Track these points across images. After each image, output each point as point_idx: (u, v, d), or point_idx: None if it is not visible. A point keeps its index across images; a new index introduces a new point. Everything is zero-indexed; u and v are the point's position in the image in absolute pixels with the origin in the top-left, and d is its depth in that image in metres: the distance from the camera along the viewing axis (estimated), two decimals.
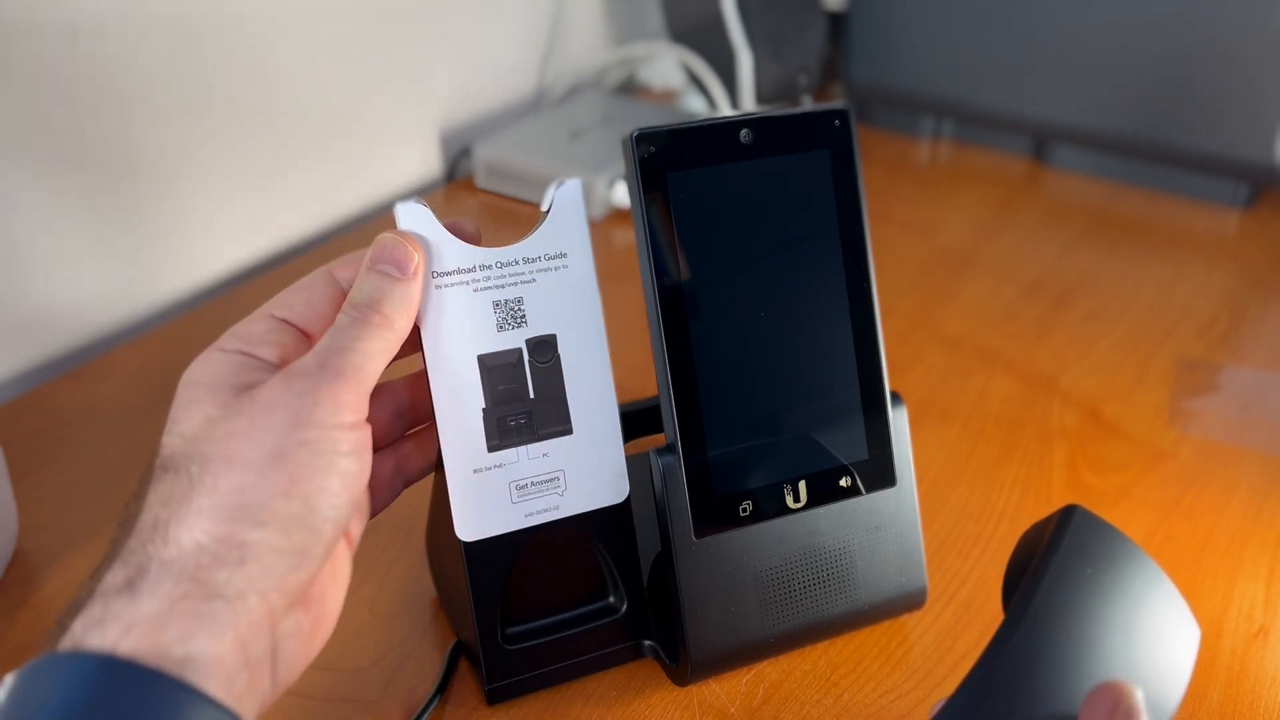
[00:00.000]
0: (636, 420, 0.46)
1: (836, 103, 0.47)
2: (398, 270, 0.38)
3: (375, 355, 0.36)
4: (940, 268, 0.79)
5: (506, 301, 0.41)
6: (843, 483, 0.45)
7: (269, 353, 0.37)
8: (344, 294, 0.39)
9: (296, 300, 0.39)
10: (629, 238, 0.81)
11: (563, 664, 0.45)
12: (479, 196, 0.86)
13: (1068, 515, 0.36)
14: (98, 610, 0.31)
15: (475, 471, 0.41)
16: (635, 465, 0.44)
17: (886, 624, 0.49)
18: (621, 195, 0.81)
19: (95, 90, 0.65)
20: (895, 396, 0.46)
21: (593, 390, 0.43)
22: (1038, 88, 0.91)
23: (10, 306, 0.64)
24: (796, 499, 0.44)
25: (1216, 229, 0.85)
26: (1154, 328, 0.72)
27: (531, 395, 0.42)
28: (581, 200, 0.42)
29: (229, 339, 0.38)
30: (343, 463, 0.35)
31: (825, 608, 0.46)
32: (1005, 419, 0.63)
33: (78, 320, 0.68)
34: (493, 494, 0.41)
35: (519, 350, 0.41)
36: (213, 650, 0.31)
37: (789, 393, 0.44)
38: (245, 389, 0.35)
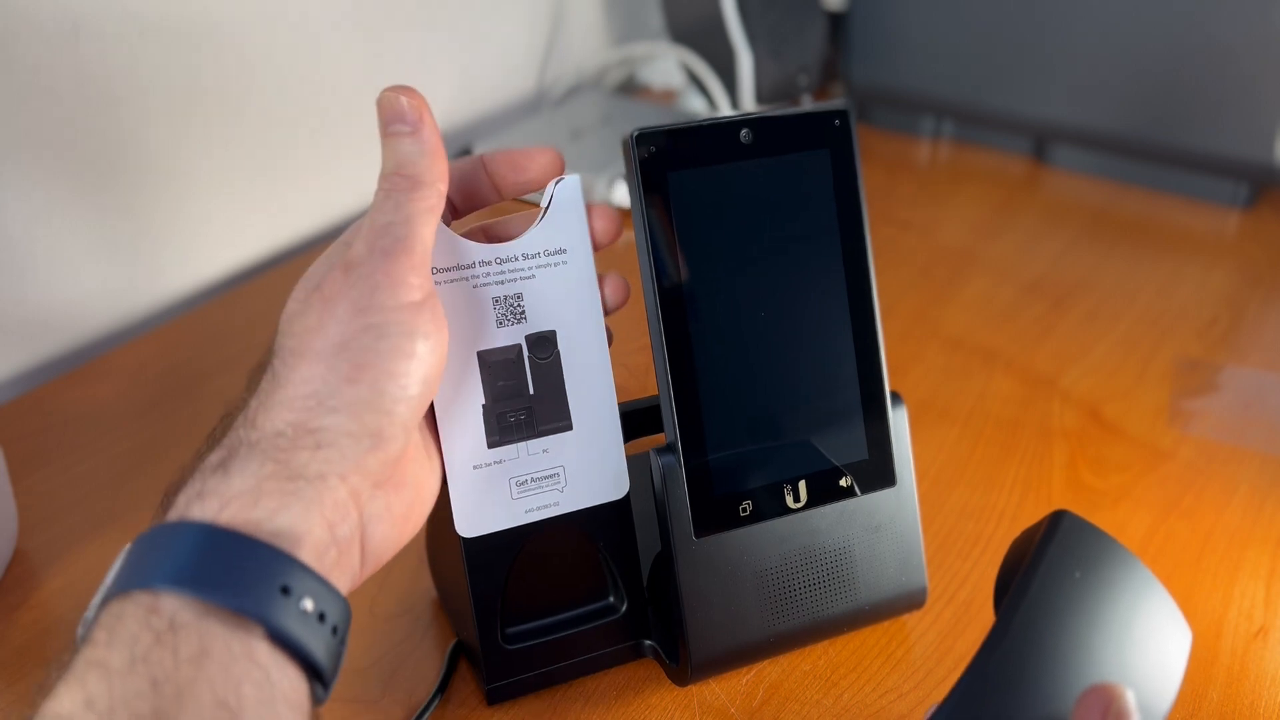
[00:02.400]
0: (636, 420, 0.46)
1: (837, 102, 0.47)
2: (406, 125, 0.37)
3: (418, 220, 0.36)
4: (940, 268, 0.79)
5: (506, 298, 0.41)
6: (843, 483, 0.45)
7: None
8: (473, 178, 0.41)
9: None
10: (629, 237, 0.81)
11: (563, 664, 0.45)
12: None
13: (1056, 520, 0.36)
14: (197, 485, 0.33)
15: (475, 468, 0.41)
16: (635, 465, 0.44)
17: (886, 624, 0.49)
18: (621, 195, 0.81)
19: (95, 90, 0.65)
20: (895, 396, 0.46)
21: (592, 386, 0.43)
22: (1038, 88, 0.91)
23: (10, 306, 0.64)
24: (796, 499, 0.44)
25: (1216, 229, 0.85)
26: (1154, 328, 0.72)
27: (531, 391, 0.42)
28: (581, 197, 0.42)
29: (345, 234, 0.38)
30: (408, 344, 0.35)
31: (825, 607, 0.46)
32: (1005, 419, 0.63)
33: (77, 320, 0.68)
34: (493, 490, 0.41)
35: (519, 346, 0.41)
36: (302, 525, 0.33)
37: (789, 392, 0.44)
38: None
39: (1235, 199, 0.87)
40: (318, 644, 0.32)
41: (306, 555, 0.33)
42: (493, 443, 0.41)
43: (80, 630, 0.31)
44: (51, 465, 0.57)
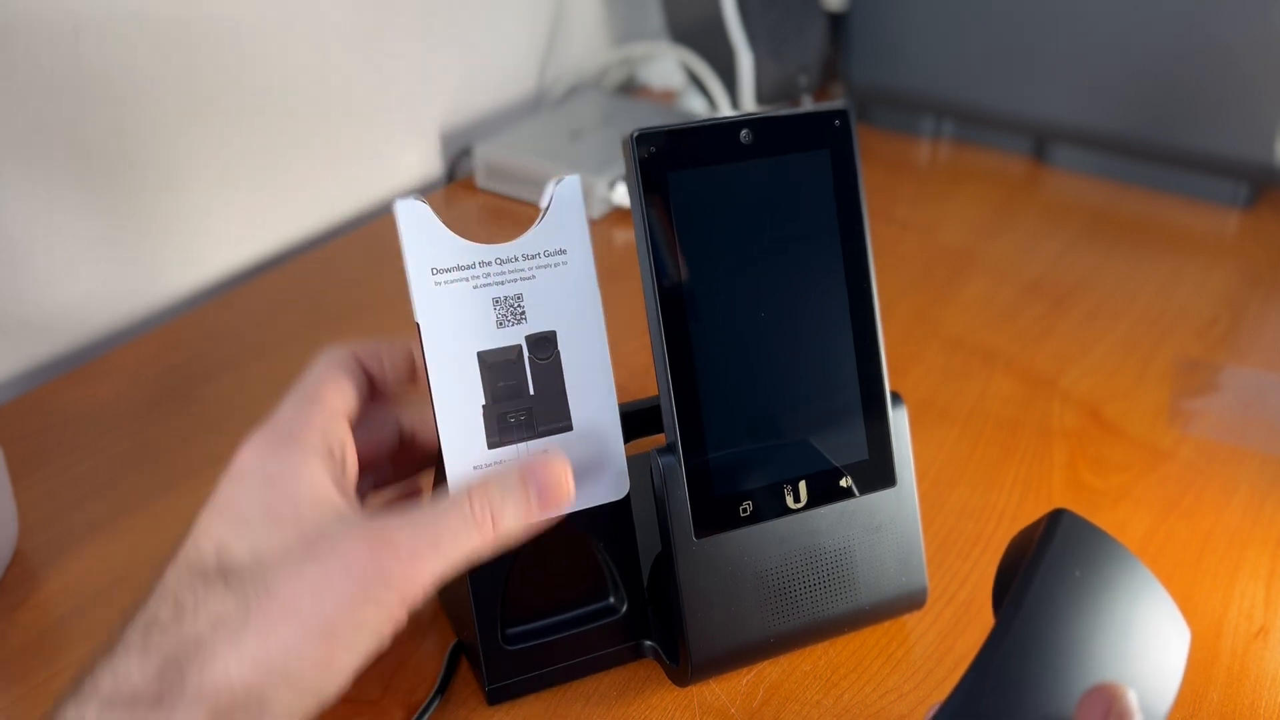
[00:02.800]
0: (637, 420, 0.46)
1: (837, 102, 0.47)
2: (540, 504, 0.38)
3: (465, 556, 0.36)
4: (940, 268, 0.79)
5: (506, 298, 0.41)
6: (843, 483, 0.45)
7: (338, 444, 0.37)
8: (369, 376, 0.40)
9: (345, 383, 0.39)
10: (629, 238, 0.81)
11: (563, 664, 0.45)
12: (479, 197, 0.86)
13: (1055, 519, 0.36)
14: (122, 715, 0.31)
15: (475, 468, 0.41)
16: (635, 465, 0.44)
17: (887, 624, 0.49)
18: (621, 195, 0.81)
19: (95, 90, 0.65)
20: (895, 396, 0.46)
21: (593, 387, 0.43)
22: (1038, 88, 0.91)
23: (10, 306, 0.64)
24: (797, 499, 0.44)
25: (1216, 229, 0.85)
26: (1154, 328, 0.72)
27: (531, 392, 0.42)
28: (581, 197, 0.42)
29: (306, 428, 0.37)
30: (385, 631, 0.35)
31: (826, 608, 0.46)
32: (1005, 419, 0.63)
33: (78, 320, 0.68)
34: None
35: (519, 347, 0.41)
36: None
37: (789, 393, 0.44)
38: (335, 508, 0.35)
39: (1235, 199, 0.87)
40: None
41: None
42: (493, 443, 0.41)
43: None
44: (51, 465, 0.57)
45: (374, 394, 0.42)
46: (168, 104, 0.69)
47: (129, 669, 0.32)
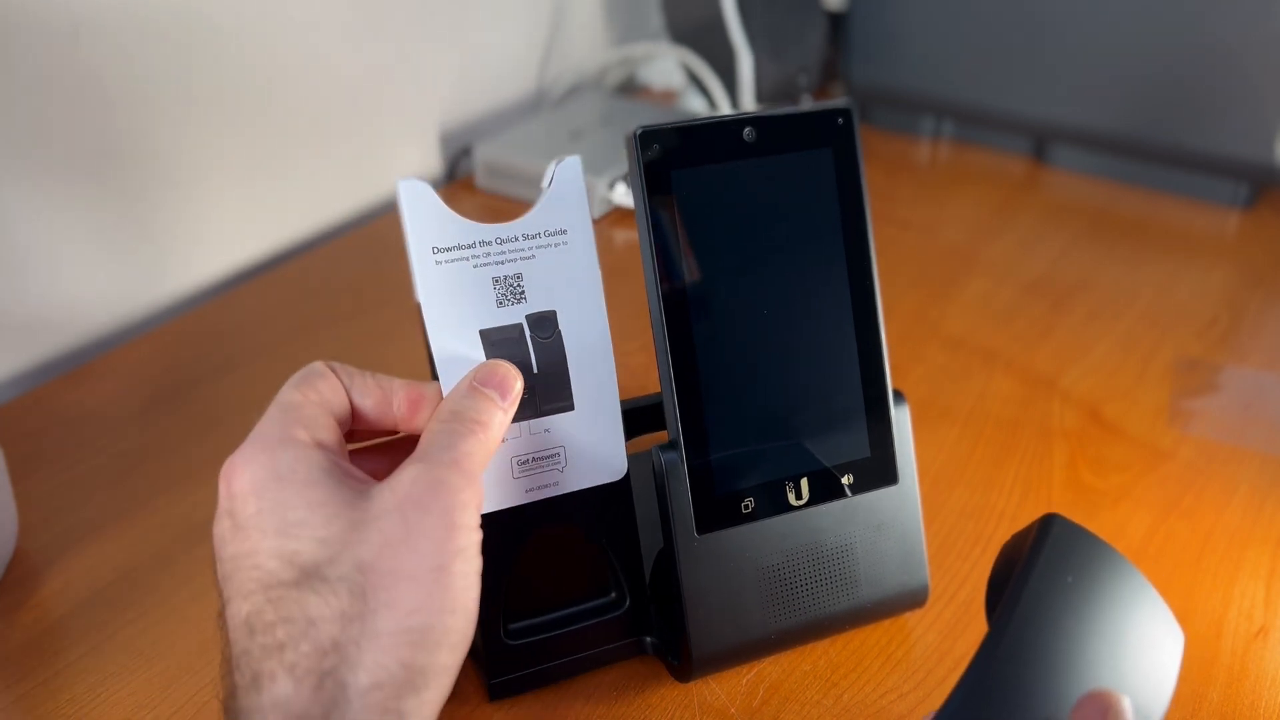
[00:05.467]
0: (639, 417, 0.46)
1: (840, 101, 0.47)
2: (500, 395, 0.38)
3: (482, 463, 0.37)
4: (940, 268, 0.79)
5: (505, 278, 0.41)
6: (845, 481, 0.45)
7: (330, 438, 0.37)
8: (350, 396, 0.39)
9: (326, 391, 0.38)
10: (629, 237, 0.81)
11: (564, 660, 0.45)
12: (479, 196, 0.86)
13: (1047, 524, 0.36)
14: None
15: None
16: (638, 462, 0.44)
17: (887, 624, 0.49)
18: (621, 195, 0.81)
19: (95, 91, 0.65)
20: (898, 395, 0.46)
21: (593, 367, 0.43)
22: (1038, 88, 0.91)
23: (10, 306, 0.64)
24: (799, 496, 0.44)
25: (1216, 229, 0.85)
26: (1154, 328, 0.72)
27: (535, 370, 0.42)
28: (582, 178, 0.42)
29: (293, 426, 0.36)
30: (477, 565, 0.35)
31: (827, 605, 0.46)
32: (1005, 419, 0.63)
33: (77, 320, 0.68)
34: (494, 469, 0.41)
35: (520, 325, 0.41)
36: None
37: (791, 390, 0.44)
38: (355, 483, 0.35)
39: (1235, 199, 0.87)
40: None
41: None
42: None
43: None
44: (51, 465, 0.57)
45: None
46: (167, 104, 0.69)
47: (286, 696, 0.31)
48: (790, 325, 0.44)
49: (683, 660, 0.44)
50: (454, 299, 0.40)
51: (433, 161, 0.91)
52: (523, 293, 0.41)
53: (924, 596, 0.48)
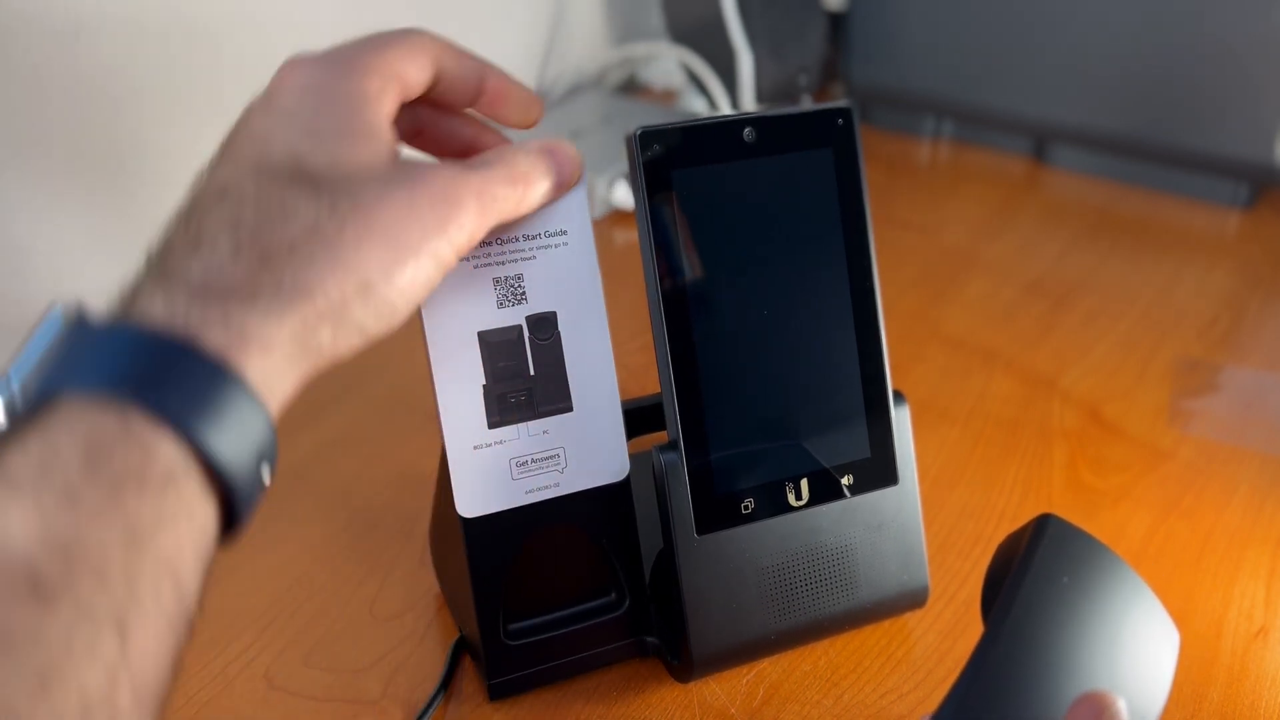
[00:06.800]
0: (639, 418, 0.46)
1: (839, 101, 0.47)
2: (565, 176, 0.40)
3: (498, 217, 0.37)
4: (940, 268, 0.79)
5: (506, 278, 0.41)
6: (845, 481, 0.45)
7: (395, 95, 0.37)
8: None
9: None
10: (629, 238, 0.81)
11: (565, 660, 0.45)
12: None
13: (1042, 525, 0.36)
14: (215, 306, 0.30)
15: (475, 448, 0.41)
16: (638, 462, 0.44)
17: (887, 624, 0.49)
18: (621, 195, 0.81)
19: (95, 91, 0.65)
20: (898, 395, 0.46)
21: (593, 368, 0.43)
22: (1038, 88, 0.91)
23: (10, 306, 0.64)
24: (798, 497, 0.44)
25: (1216, 229, 0.85)
26: (1154, 328, 0.72)
27: (532, 372, 0.42)
28: (583, 179, 0.42)
29: (369, 67, 0.37)
30: (437, 277, 0.35)
31: (827, 605, 0.46)
32: (1005, 419, 0.63)
33: None
34: (493, 470, 0.41)
35: (519, 327, 0.41)
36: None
37: (791, 390, 0.44)
38: (392, 144, 0.35)
39: (1235, 199, 0.87)
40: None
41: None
42: (493, 423, 0.41)
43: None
44: None
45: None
46: (168, 104, 0.69)
47: (220, 262, 0.31)
48: (790, 325, 0.44)
49: (683, 660, 0.44)
50: (454, 300, 0.40)
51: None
52: (524, 293, 0.41)
53: (924, 597, 0.48)
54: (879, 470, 0.46)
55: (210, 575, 0.30)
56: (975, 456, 0.60)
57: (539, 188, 0.39)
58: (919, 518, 0.47)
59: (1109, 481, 0.58)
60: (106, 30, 0.64)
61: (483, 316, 0.41)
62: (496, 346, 0.41)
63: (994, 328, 0.72)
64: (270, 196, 0.32)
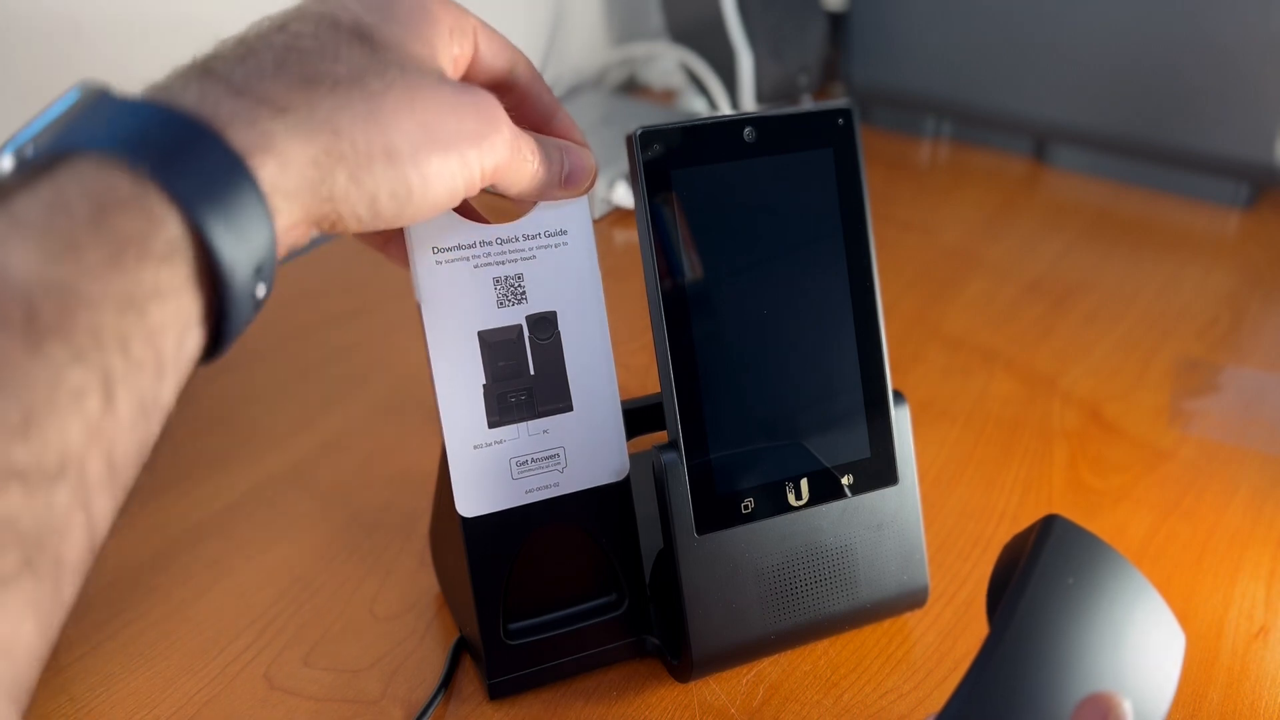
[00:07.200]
0: (639, 417, 0.46)
1: (840, 101, 0.47)
2: (574, 180, 0.41)
3: (523, 170, 0.38)
4: (940, 268, 0.79)
5: (507, 278, 0.41)
6: (845, 481, 0.45)
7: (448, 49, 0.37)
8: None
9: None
10: (629, 237, 0.81)
11: (565, 659, 0.45)
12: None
13: (1048, 525, 0.36)
14: (248, 109, 0.30)
15: (475, 448, 0.41)
16: (638, 462, 0.44)
17: (887, 624, 0.49)
18: (621, 195, 0.81)
19: None
20: (898, 395, 0.46)
21: (593, 368, 0.43)
22: (1038, 88, 0.91)
23: None
24: (798, 497, 0.44)
25: (1216, 229, 0.85)
26: (1154, 328, 0.72)
27: (532, 372, 0.42)
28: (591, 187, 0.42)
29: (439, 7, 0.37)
30: (446, 201, 0.35)
31: (827, 605, 0.46)
32: (1005, 419, 0.63)
33: None
34: (493, 470, 0.41)
35: (519, 326, 0.41)
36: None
37: (791, 390, 0.44)
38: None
39: (1235, 199, 0.87)
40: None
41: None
42: (493, 423, 0.41)
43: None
44: None
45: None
46: None
47: (263, 71, 0.31)
48: (790, 325, 0.44)
49: (683, 660, 0.44)
50: (454, 299, 0.40)
51: None
52: (524, 293, 0.41)
53: (924, 597, 0.48)
54: (879, 470, 0.46)
55: (183, 390, 0.30)
56: (975, 456, 0.60)
57: (542, 176, 0.39)
58: (919, 518, 0.47)
59: (1109, 482, 0.58)
60: (107, 30, 0.64)
61: (483, 316, 0.41)
62: (496, 346, 0.41)
63: (994, 328, 0.72)
64: (328, 40, 0.33)
